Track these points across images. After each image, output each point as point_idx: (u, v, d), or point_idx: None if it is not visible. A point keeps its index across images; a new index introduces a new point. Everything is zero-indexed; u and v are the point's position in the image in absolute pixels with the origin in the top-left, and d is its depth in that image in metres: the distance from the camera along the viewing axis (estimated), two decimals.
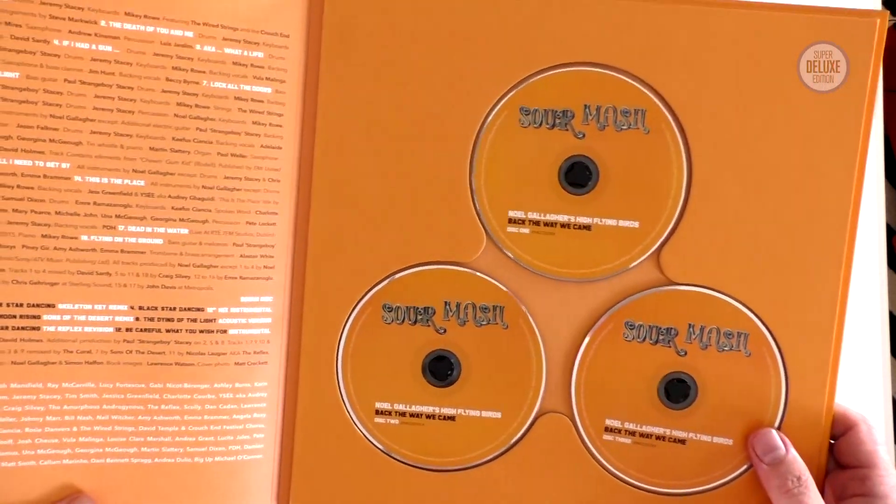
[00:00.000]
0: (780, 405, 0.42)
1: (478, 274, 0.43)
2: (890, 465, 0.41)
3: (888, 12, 0.41)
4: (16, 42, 0.38)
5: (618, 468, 0.43)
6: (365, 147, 0.42)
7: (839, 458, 0.42)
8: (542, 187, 0.42)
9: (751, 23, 0.41)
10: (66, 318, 0.40)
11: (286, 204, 0.42)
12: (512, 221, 0.43)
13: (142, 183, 0.40)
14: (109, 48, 0.39)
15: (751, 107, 0.41)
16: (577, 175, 0.42)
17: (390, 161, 0.42)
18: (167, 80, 0.40)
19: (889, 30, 0.42)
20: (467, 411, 0.43)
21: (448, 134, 0.42)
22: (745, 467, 0.42)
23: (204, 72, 0.40)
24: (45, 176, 0.39)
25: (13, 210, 0.38)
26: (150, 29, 0.39)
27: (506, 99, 0.42)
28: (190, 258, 0.41)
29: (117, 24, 0.39)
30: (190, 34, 0.40)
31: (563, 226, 0.43)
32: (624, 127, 0.42)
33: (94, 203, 0.39)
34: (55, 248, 0.39)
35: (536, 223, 0.43)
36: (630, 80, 0.42)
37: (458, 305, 0.43)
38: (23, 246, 0.39)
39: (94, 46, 0.39)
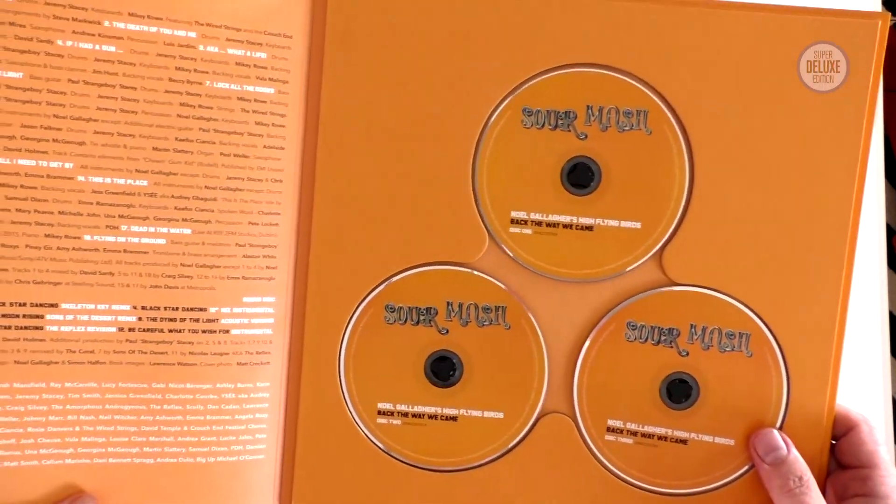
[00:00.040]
0: (782, 405, 0.42)
1: (480, 274, 0.43)
2: (891, 466, 0.41)
3: (889, 14, 0.41)
4: (20, 42, 0.38)
5: (620, 468, 0.43)
6: (367, 147, 0.42)
7: (840, 458, 0.42)
8: (544, 188, 0.43)
9: (752, 24, 0.41)
10: (69, 317, 0.40)
11: (289, 204, 0.42)
12: (514, 222, 0.43)
13: (145, 183, 0.40)
14: (113, 48, 0.39)
15: (752, 107, 0.41)
16: (580, 176, 0.42)
17: (393, 161, 0.42)
18: (170, 80, 0.40)
19: (889, 30, 0.42)
20: (469, 412, 0.43)
21: (451, 134, 0.42)
22: (746, 467, 0.43)
23: (207, 72, 0.40)
24: (48, 176, 0.39)
25: (17, 210, 0.38)
26: (153, 29, 0.39)
27: (508, 100, 0.42)
28: (192, 258, 0.41)
29: (121, 25, 0.39)
30: (193, 35, 0.40)
31: (565, 226, 0.43)
32: (626, 128, 0.42)
33: (98, 203, 0.39)
34: (58, 248, 0.39)
35: (539, 224, 0.43)
36: (632, 81, 0.42)
37: (460, 306, 0.43)
38: (26, 245, 0.39)
39: (97, 47, 0.39)
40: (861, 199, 0.41)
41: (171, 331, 0.41)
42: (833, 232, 0.41)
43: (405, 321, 0.43)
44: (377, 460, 0.43)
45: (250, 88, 0.41)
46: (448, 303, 0.43)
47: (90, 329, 0.40)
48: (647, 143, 0.42)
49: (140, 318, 0.41)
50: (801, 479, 0.40)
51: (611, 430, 0.43)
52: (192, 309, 0.41)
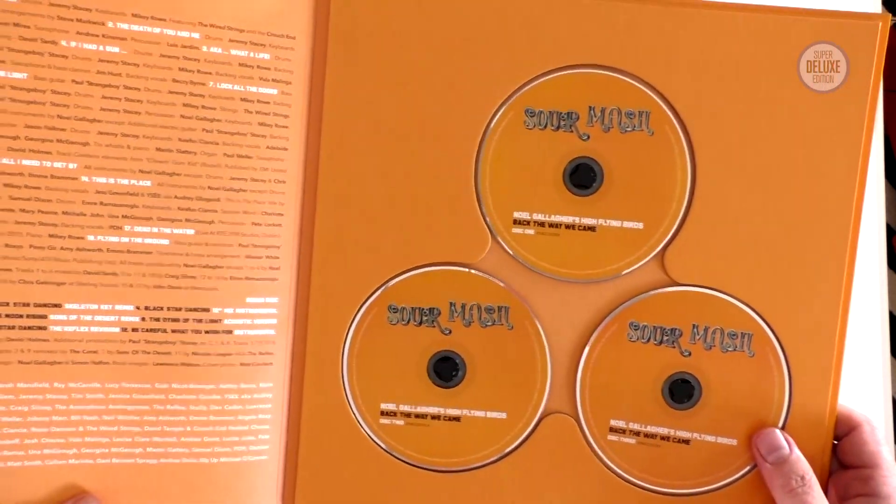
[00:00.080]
0: (784, 405, 0.42)
1: (483, 275, 0.43)
2: (893, 466, 0.41)
3: (890, 15, 0.42)
4: (24, 43, 0.38)
5: (622, 468, 0.43)
6: (370, 148, 0.42)
7: (842, 458, 0.42)
8: (546, 188, 0.43)
9: (752, 24, 0.41)
10: (73, 317, 0.40)
11: (292, 205, 0.42)
12: (517, 222, 0.43)
13: (148, 183, 0.40)
14: (117, 49, 0.39)
15: (753, 108, 0.41)
16: (582, 176, 0.42)
17: (396, 162, 0.42)
18: (174, 81, 0.40)
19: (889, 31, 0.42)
20: (472, 412, 0.44)
21: (453, 135, 0.42)
22: (749, 467, 0.43)
23: (210, 73, 0.40)
24: (52, 176, 0.39)
25: (20, 210, 0.38)
26: (156, 30, 0.40)
27: (511, 101, 0.42)
28: (196, 259, 0.41)
29: (124, 26, 0.39)
30: (196, 35, 0.40)
31: (567, 227, 0.43)
32: (628, 129, 0.42)
33: (101, 203, 0.40)
34: (62, 248, 0.39)
35: (541, 224, 0.43)
36: (634, 82, 0.42)
37: (463, 306, 0.43)
38: (30, 246, 0.39)
39: (101, 47, 0.39)
40: (862, 199, 0.41)
41: (174, 331, 0.41)
42: (834, 232, 0.42)
43: (408, 322, 0.43)
44: (380, 461, 0.43)
45: (253, 89, 0.41)
46: (451, 303, 0.43)
47: (94, 329, 0.40)
48: (649, 143, 0.42)
49: (143, 319, 0.41)
50: (803, 478, 0.40)
51: (613, 430, 0.43)
52: (195, 309, 0.41)
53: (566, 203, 0.43)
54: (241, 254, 0.41)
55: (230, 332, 0.41)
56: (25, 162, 0.38)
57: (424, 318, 0.43)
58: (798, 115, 0.41)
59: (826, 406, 0.42)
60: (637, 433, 0.43)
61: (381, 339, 0.43)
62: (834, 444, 0.42)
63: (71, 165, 0.39)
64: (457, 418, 0.44)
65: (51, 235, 0.39)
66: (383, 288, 0.43)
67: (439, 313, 0.43)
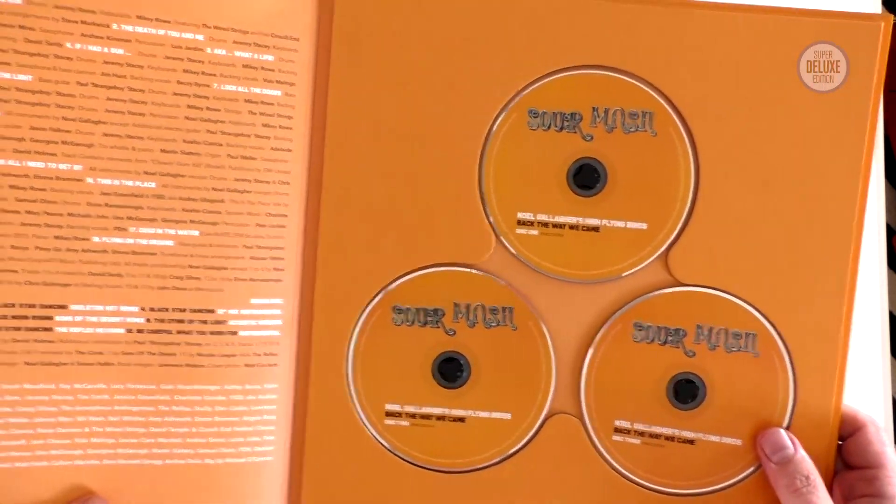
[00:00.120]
0: (789, 405, 0.42)
1: (487, 275, 0.43)
2: None
3: (892, 16, 0.42)
4: (29, 45, 0.38)
5: (627, 469, 0.43)
6: (374, 149, 0.42)
7: (847, 458, 0.42)
8: (550, 189, 0.43)
9: (754, 25, 0.41)
10: (78, 318, 0.40)
11: (296, 206, 0.42)
12: (521, 223, 0.43)
13: (153, 185, 0.40)
14: (121, 51, 0.39)
15: (754, 108, 0.42)
16: (586, 177, 0.43)
17: (399, 163, 0.42)
18: (178, 82, 0.40)
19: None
20: (477, 413, 0.44)
21: (457, 136, 0.42)
22: (753, 468, 0.43)
23: (214, 75, 0.40)
24: (57, 178, 0.39)
25: (26, 212, 0.38)
26: (161, 32, 0.40)
27: (514, 101, 0.42)
28: (200, 260, 0.41)
29: (129, 28, 0.39)
30: (200, 37, 0.40)
31: (571, 227, 0.43)
32: (632, 129, 0.42)
33: (106, 205, 0.40)
34: (67, 250, 0.39)
35: (545, 225, 0.43)
36: (637, 83, 0.42)
37: (467, 307, 0.43)
38: (35, 247, 0.39)
39: (106, 49, 0.39)
40: (865, 198, 0.42)
41: (179, 332, 0.41)
42: (838, 231, 0.42)
43: (412, 322, 0.43)
44: (385, 461, 0.43)
45: (257, 91, 0.41)
46: (455, 304, 0.43)
47: (99, 330, 0.40)
48: (653, 144, 0.42)
49: (148, 320, 0.41)
50: (807, 478, 0.40)
51: (618, 430, 0.43)
52: (200, 310, 0.41)
53: (570, 204, 0.43)
54: (245, 255, 0.41)
55: (235, 333, 0.41)
56: (31, 163, 0.38)
57: (429, 319, 0.43)
58: (798, 115, 0.41)
59: (830, 406, 0.42)
60: (642, 433, 0.43)
61: (385, 339, 0.43)
62: (839, 444, 0.42)
63: (76, 167, 0.39)
64: (461, 419, 0.44)
65: (56, 237, 0.39)
66: (388, 289, 0.43)
67: (444, 314, 0.43)
